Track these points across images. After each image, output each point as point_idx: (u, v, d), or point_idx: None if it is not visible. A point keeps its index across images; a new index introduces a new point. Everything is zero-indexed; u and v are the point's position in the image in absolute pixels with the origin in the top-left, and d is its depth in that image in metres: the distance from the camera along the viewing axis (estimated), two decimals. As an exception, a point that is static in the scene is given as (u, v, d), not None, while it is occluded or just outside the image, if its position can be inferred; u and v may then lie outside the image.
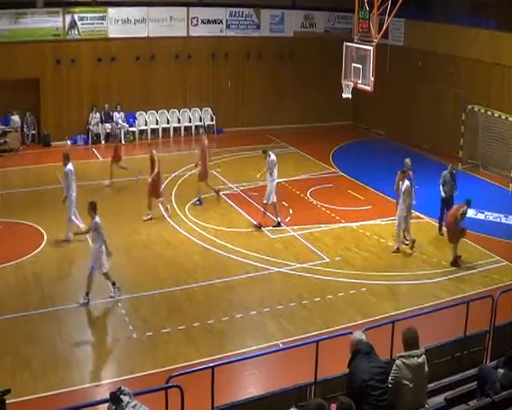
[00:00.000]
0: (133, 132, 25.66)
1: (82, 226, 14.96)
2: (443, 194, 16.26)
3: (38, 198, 18.66)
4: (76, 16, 24.15)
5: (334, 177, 21.65)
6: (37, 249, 15.18)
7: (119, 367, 10.76)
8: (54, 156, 22.57)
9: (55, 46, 23.96)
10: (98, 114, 24.91)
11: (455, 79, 23.84)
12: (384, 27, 18.00)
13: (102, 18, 24.60)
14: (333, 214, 18.04)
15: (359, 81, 18.59)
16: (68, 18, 24.05)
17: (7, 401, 6.86)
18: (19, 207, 17.88)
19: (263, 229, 16.73)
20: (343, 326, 11.69)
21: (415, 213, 16.60)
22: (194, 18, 26.29)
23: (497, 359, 8.49)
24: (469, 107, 22.65)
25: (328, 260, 15.07)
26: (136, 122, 25.79)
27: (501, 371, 7.54)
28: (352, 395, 6.57)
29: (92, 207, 12.69)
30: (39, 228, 16.30)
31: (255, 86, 27.58)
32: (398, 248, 15.53)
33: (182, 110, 26.65)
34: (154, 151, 17.34)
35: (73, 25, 24.17)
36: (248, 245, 15.75)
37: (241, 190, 19.82)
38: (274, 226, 16.85)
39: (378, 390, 6.67)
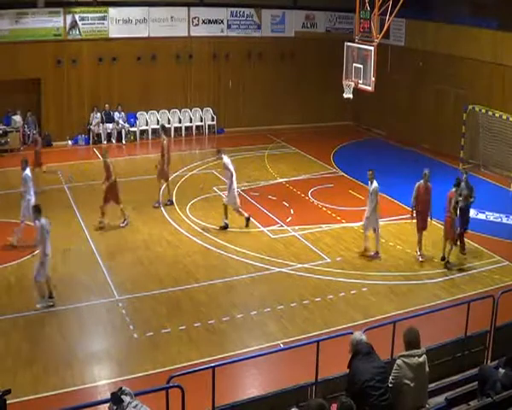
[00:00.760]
0: (134, 133, 25.67)
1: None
2: (460, 204, 15.09)
3: (39, 198, 18.63)
4: (77, 16, 24.15)
5: (335, 177, 21.66)
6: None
7: (120, 367, 10.75)
8: (55, 156, 22.65)
9: (56, 46, 23.96)
10: (99, 114, 24.92)
11: (456, 79, 23.82)
12: (385, 27, 18.00)
13: (103, 18, 24.61)
14: (334, 214, 18.04)
15: (360, 81, 18.60)
16: (69, 18, 24.06)
17: (8, 401, 6.85)
18: (19, 207, 17.82)
19: (263, 228, 16.75)
20: (344, 326, 11.70)
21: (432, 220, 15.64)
22: (195, 18, 26.30)
23: (497, 359, 8.49)
24: (470, 107, 22.65)
25: (328, 260, 15.08)
26: (137, 122, 25.80)
27: (502, 371, 7.54)
28: (352, 395, 6.58)
29: (36, 211, 12.56)
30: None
31: (256, 86, 27.58)
32: (365, 250, 15.35)
33: (183, 110, 26.66)
34: (108, 159, 16.69)
35: (74, 25, 24.18)
36: (249, 245, 15.75)
37: (241, 190, 19.80)
38: (220, 228, 16.68)
39: (379, 390, 6.68)
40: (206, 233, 16.44)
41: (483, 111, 22.19)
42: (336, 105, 26.01)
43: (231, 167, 16.60)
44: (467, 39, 23.07)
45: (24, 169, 15.58)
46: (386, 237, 16.46)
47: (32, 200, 15.33)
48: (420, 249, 15.19)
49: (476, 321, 9.65)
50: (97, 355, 11.22)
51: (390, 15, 17.82)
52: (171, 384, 7.31)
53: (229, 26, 27.03)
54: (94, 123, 24.84)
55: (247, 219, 16.82)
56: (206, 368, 8.09)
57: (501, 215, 18.08)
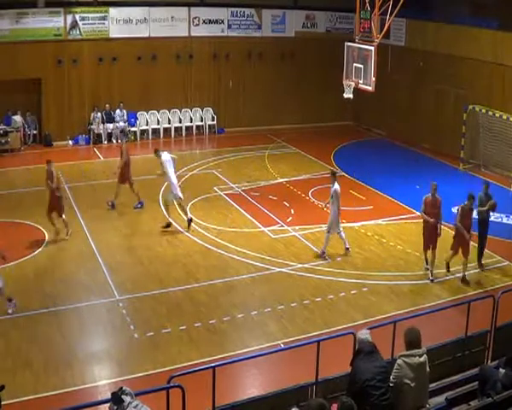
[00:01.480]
0: (134, 132, 25.67)
1: None
2: (480, 216, 14.68)
3: (40, 198, 18.66)
4: (77, 16, 24.15)
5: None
6: (39, 249, 15.21)
7: (121, 367, 10.75)
8: (55, 156, 22.64)
9: (57, 46, 23.97)
10: (99, 114, 24.92)
11: (456, 79, 23.82)
12: (385, 27, 17.99)
13: (104, 18, 24.61)
14: (334, 214, 18.02)
15: (360, 81, 18.59)
16: (70, 18, 24.06)
17: (8, 401, 6.86)
18: (20, 207, 17.89)
19: (264, 228, 16.76)
20: (344, 326, 11.70)
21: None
22: (195, 18, 26.30)
23: (498, 359, 8.49)
24: (470, 107, 22.64)
25: (329, 260, 15.07)
26: (138, 122, 25.80)
27: (502, 371, 7.54)
28: (353, 394, 6.58)
29: None
30: (41, 228, 16.32)
31: (256, 86, 27.58)
32: (323, 253, 15.19)
33: (183, 110, 26.66)
34: (53, 167, 15.89)
35: (75, 25, 24.18)
36: (250, 245, 15.75)
37: (242, 191, 19.82)
38: (164, 227, 16.55)
39: (379, 390, 6.68)
40: (206, 233, 16.44)
41: (483, 111, 22.19)
42: (336, 105, 26.01)
43: (166, 164, 16.44)
44: (467, 39, 23.06)
45: None
46: (386, 237, 16.47)
47: None
48: (431, 266, 14.22)
49: (476, 321, 9.65)
50: (97, 355, 11.22)
51: (390, 15, 17.81)
52: (171, 384, 7.32)
53: (229, 26, 27.03)
54: (94, 123, 24.83)
55: (190, 221, 16.59)
56: (207, 368, 8.09)
57: (501, 215, 18.05)
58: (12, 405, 9.34)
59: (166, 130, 26.31)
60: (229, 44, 26.97)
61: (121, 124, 25.05)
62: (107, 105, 24.97)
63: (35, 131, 24.54)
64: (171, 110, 26.39)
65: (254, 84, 27.56)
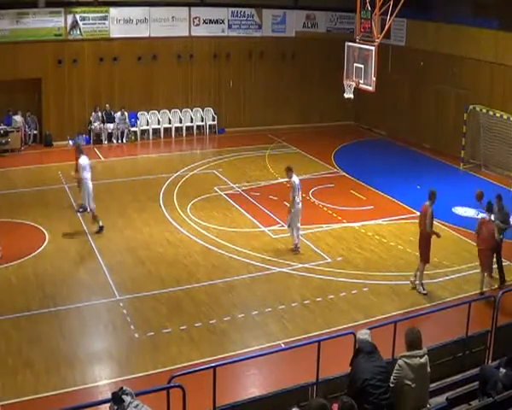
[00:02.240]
0: (135, 132, 25.67)
1: None
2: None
3: (40, 198, 18.68)
4: (78, 16, 24.14)
5: (336, 177, 21.64)
6: (39, 249, 15.20)
7: (121, 367, 10.75)
8: (55, 156, 22.68)
9: (57, 46, 23.96)
10: (100, 114, 24.92)
11: (457, 79, 23.82)
12: (386, 27, 17.98)
13: (104, 18, 24.60)
14: (334, 214, 18.03)
15: (361, 81, 18.58)
16: (70, 18, 24.04)
17: (8, 401, 6.86)
18: (20, 207, 17.88)
19: (264, 228, 16.75)
20: (345, 326, 11.69)
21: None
22: (195, 18, 26.29)
23: (498, 359, 8.49)
24: (471, 107, 22.63)
25: (329, 260, 15.07)
26: (138, 122, 25.80)
27: (503, 371, 7.54)
28: (353, 394, 6.58)
29: None
30: (41, 228, 16.32)
31: (257, 86, 27.58)
32: (296, 246, 15.35)
33: (183, 110, 26.65)
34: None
35: (75, 25, 24.17)
36: (250, 245, 15.75)
37: (242, 190, 19.82)
38: (97, 232, 16.22)
39: (379, 389, 6.69)
40: (207, 233, 16.44)
41: (484, 111, 22.18)
42: (337, 105, 25.99)
43: (81, 170, 16.14)
44: (468, 39, 23.05)
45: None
46: (387, 237, 16.46)
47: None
48: (419, 279, 13.57)
49: (477, 321, 9.65)
50: (98, 355, 11.22)
51: (391, 15, 17.80)
52: (172, 384, 7.32)
53: (229, 26, 27.03)
54: (95, 123, 24.82)
55: (101, 228, 16.24)
56: (207, 368, 8.09)
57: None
58: (13, 405, 9.36)
59: (167, 130, 26.31)
60: (230, 44, 26.97)
61: (121, 125, 25.09)
62: (107, 105, 24.95)
63: (35, 131, 24.53)
64: (172, 110, 26.38)
65: (255, 84, 27.56)
